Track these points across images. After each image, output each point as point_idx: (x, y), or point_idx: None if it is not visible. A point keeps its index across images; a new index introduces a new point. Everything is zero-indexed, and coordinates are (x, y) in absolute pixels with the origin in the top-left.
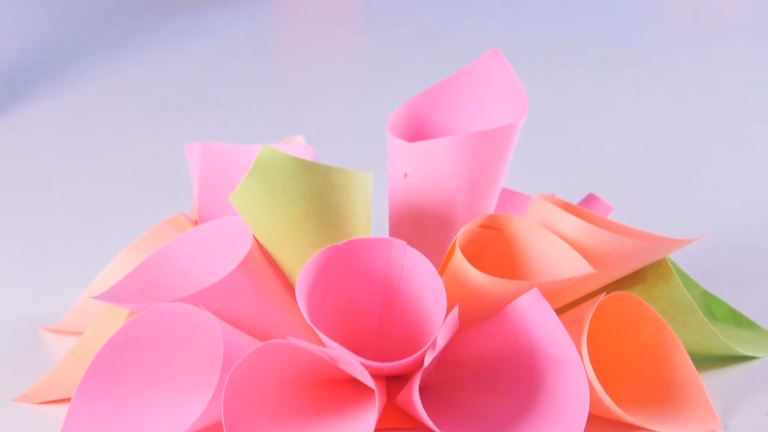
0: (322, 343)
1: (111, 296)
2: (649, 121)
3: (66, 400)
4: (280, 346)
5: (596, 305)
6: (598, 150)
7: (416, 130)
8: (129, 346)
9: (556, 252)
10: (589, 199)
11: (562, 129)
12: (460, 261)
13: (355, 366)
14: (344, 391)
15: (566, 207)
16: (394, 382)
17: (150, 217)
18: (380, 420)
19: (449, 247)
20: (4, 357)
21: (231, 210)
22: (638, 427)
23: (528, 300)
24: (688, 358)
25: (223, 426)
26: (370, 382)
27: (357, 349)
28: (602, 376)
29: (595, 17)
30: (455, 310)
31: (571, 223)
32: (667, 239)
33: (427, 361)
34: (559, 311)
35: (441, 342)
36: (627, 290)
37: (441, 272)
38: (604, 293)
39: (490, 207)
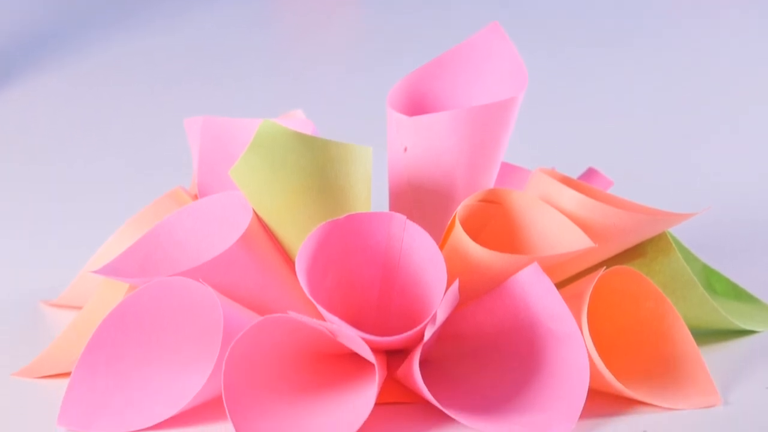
0: (322, 318)
1: (111, 270)
2: (651, 95)
3: (66, 374)
4: (280, 320)
5: (596, 279)
6: (598, 124)
7: (416, 104)
8: (129, 321)
9: (555, 226)
10: (589, 173)
11: (562, 103)
12: (460, 235)
13: (355, 340)
14: (344, 365)
15: (566, 181)
16: (395, 356)
17: (150, 191)
18: (380, 394)
19: (449, 222)
20: (5, 331)
21: (231, 184)
22: (638, 402)
23: (528, 274)
24: (689, 332)
25: (224, 400)
26: (370, 357)
27: (357, 324)
28: (602, 351)
29: None
30: (455, 285)
31: (571, 197)
32: (667, 213)
33: (427, 336)
34: (559, 285)
35: (441, 316)
36: (627, 264)
37: (441, 247)
38: (604, 267)
39: (490, 181)
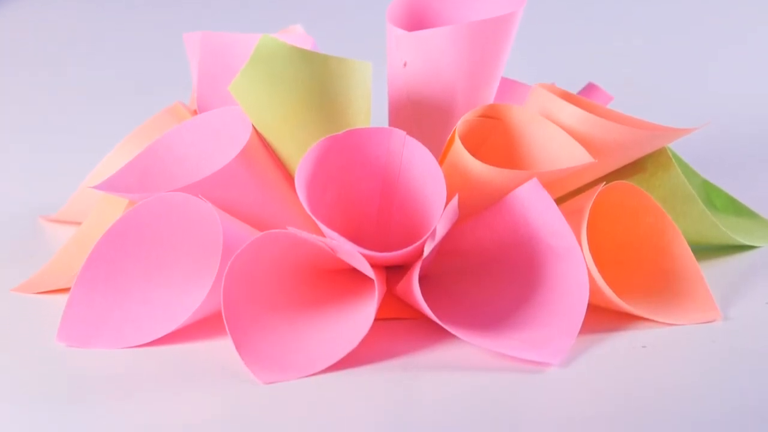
0: (321, 234)
1: (110, 186)
2: (652, 9)
3: (65, 290)
4: (279, 236)
5: (596, 195)
6: (598, 38)
7: (416, 19)
8: (128, 236)
9: (555, 141)
10: (589, 88)
11: (562, 18)
12: (459, 151)
13: (354, 256)
14: (344, 281)
15: (566, 96)
16: (394, 272)
17: (149, 106)
18: (380, 310)
19: (449, 137)
20: (4, 246)
21: (230, 99)
22: (638, 317)
23: (527, 190)
24: (688, 247)
25: (223, 316)
26: (369, 272)
27: (357, 239)
28: (602, 266)
29: None
30: (455, 200)
31: (570, 113)
32: (667, 128)
33: (426, 251)
34: (559, 201)
35: (440, 232)
36: (627, 180)
37: (441, 162)
38: (604, 183)
39: (489, 96)
